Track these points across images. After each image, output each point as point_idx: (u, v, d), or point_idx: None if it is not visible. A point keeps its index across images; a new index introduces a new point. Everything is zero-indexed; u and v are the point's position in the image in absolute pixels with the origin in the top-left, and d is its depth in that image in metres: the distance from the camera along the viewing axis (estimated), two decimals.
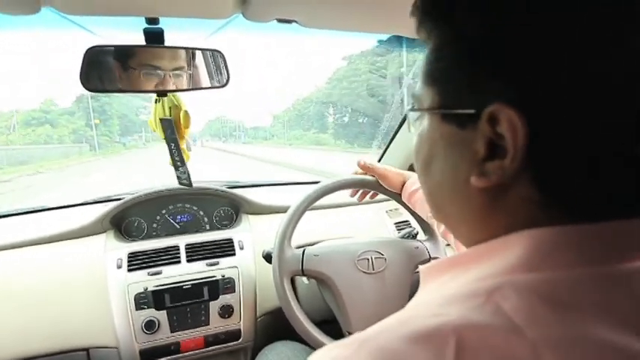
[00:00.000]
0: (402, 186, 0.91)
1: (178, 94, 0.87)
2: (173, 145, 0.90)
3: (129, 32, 0.78)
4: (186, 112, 0.88)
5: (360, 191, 0.99)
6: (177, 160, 0.92)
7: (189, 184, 1.01)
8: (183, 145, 0.93)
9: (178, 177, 0.96)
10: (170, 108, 0.88)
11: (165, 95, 0.82)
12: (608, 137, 0.24)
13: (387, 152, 1.40)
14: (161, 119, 0.87)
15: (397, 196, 0.94)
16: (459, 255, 0.31)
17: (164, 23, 0.74)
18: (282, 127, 41.08)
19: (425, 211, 0.87)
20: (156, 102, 0.85)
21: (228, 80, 0.82)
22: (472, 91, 0.27)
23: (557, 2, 0.24)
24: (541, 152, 0.25)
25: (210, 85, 0.85)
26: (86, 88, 0.72)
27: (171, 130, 0.88)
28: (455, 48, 0.28)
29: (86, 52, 0.70)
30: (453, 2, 0.28)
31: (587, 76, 0.24)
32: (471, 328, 0.23)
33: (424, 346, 0.23)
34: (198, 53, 0.81)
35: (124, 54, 0.76)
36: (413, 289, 0.96)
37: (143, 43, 0.74)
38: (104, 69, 0.75)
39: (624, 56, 0.24)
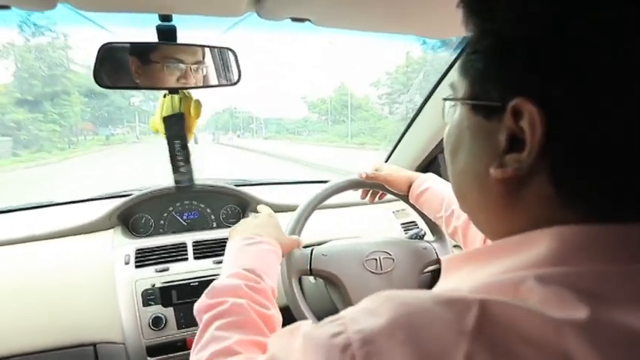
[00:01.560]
0: (409, 187, 0.90)
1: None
2: (178, 142, 0.87)
3: (142, 29, 0.78)
4: (197, 100, 0.87)
5: (370, 192, 0.99)
6: (181, 160, 0.88)
7: (191, 184, 0.94)
8: (190, 139, 0.90)
9: (177, 180, 0.90)
10: (180, 99, 0.86)
11: (177, 92, 0.81)
12: (627, 143, 0.25)
13: (395, 151, 1.39)
14: (168, 117, 0.84)
15: (405, 198, 0.94)
16: (482, 248, 0.32)
17: (177, 20, 0.74)
18: (320, 120, 29.75)
19: (432, 211, 0.87)
20: (164, 96, 0.84)
21: (239, 79, 0.82)
22: (500, 85, 0.29)
23: (591, 5, 0.25)
24: (558, 150, 0.26)
25: (218, 83, 0.84)
26: (100, 85, 0.72)
27: (180, 125, 0.86)
28: (489, 42, 0.30)
29: (100, 48, 0.70)
30: (490, 5, 0.29)
31: (612, 79, 0.24)
32: (497, 303, 0.24)
33: (448, 307, 0.24)
34: (209, 51, 0.81)
35: (143, 49, 0.76)
36: (420, 289, 0.95)
37: (156, 40, 0.74)
38: (119, 65, 0.75)
39: None
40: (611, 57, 0.24)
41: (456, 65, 0.34)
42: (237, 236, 0.69)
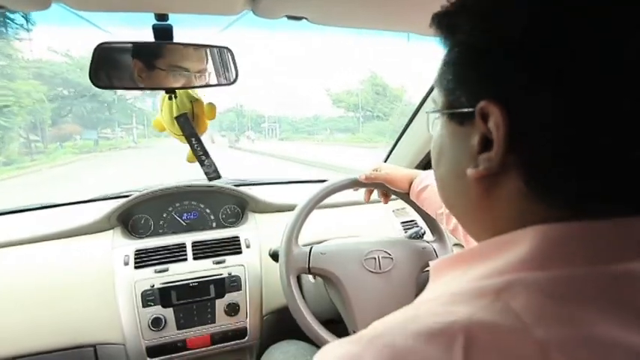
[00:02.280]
0: (410, 185, 0.90)
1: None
2: (194, 139, 0.88)
3: (138, 29, 0.78)
4: (211, 103, 0.89)
5: (374, 191, 0.99)
6: (202, 154, 0.90)
7: (218, 176, 0.95)
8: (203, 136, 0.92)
9: (206, 172, 0.93)
10: (192, 102, 0.87)
11: (174, 92, 0.81)
12: (593, 138, 0.25)
13: (394, 150, 1.39)
14: (177, 117, 0.85)
15: (405, 196, 0.93)
16: (467, 251, 0.32)
17: (173, 19, 0.73)
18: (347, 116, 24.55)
19: (433, 208, 0.86)
20: (170, 99, 0.84)
21: (236, 77, 0.82)
22: (468, 92, 0.31)
23: (539, 17, 0.26)
24: (524, 147, 0.28)
25: (217, 83, 0.85)
26: (96, 85, 0.72)
27: (189, 124, 0.87)
28: (454, 54, 0.32)
29: (96, 48, 0.70)
30: (456, 12, 0.32)
31: (568, 78, 0.25)
32: (480, 326, 0.23)
33: (433, 343, 0.24)
34: (208, 50, 0.81)
35: (146, 53, 0.76)
36: (420, 289, 0.95)
37: (152, 39, 0.74)
38: (118, 66, 0.75)
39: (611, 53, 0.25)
40: (565, 58, 0.25)
41: (434, 80, 0.36)
42: None
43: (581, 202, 0.27)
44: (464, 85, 0.31)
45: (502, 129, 0.28)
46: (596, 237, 0.26)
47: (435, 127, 0.38)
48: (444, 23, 0.33)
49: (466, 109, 0.31)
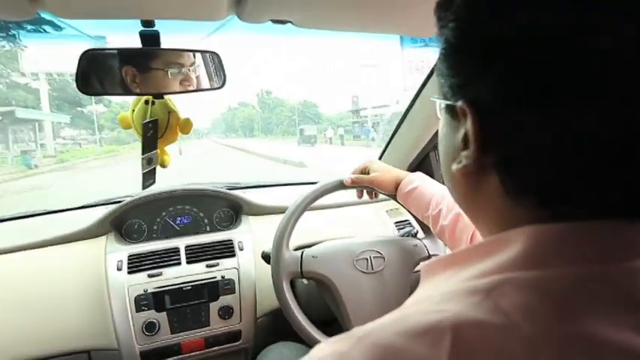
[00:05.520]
0: (396, 188, 0.90)
1: (172, 99, 0.86)
2: (150, 147, 0.85)
3: (126, 35, 0.78)
4: (188, 119, 0.88)
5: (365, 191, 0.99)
6: (148, 162, 0.86)
7: (153, 182, 0.90)
8: (165, 149, 0.90)
9: (144, 178, 0.88)
10: (169, 113, 0.86)
11: (162, 97, 0.81)
12: (565, 140, 0.25)
13: (387, 149, 1.39)
14: (146, 123, 0.83)
15: (393, 197, 0.94)
16: (459, 252, 0.32)
17: (160, 26, 0.74)
18: None
19: (421, 211, 0.87)
20: (146, 103, 0.84)
21: (224, 82, 0.82)
22: (453, 87, 0.31)
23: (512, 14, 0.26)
24: (497, 147, 0.28)
25: (206, 87, 0.85)
26: (82, 92, 0.72)
27: (155, 129, 0.85)
28: (442, 47, 0.32)
29: (82, 55, 0.70)
30: (444, 5, 0.32)
31: (534, 67, 0.25)
32: (468, 323, 0.23)
33: (420, 340, 0.24)
34: (198, 55, 0.81)
35: (137, 57, 0.76)
36: (413, 287, 0.95)
37: (139, 46, 0.74)
38: (106, 72, 0.75)
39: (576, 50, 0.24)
40: (534, 58, 0.25)
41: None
42: None
43: (555, 203, 0.27)
44: (452, 80, 0.31)
45: (473, 129, 0.29)
46: (586, 237, 0.26)
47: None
48: (437, 14, 0.33)
49: (453, 103, 0.31)
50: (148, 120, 0.82)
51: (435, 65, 0.36)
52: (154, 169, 0.89)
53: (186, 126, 0.88)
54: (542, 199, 0.27)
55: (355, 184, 0.94)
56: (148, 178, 0.88)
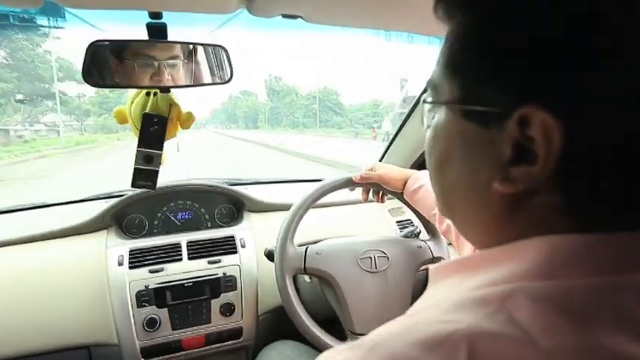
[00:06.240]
0: (404, 185, 0.90)
1: (174, 92, 0.84)
2: (150, 147, 0.82)
3: (133, 27, 0.77)
4: (190, 113, 0.87)
5: (370, 191, 0.98)
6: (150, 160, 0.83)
7: (152, 187, 0.85)
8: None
9: (135, 178, 0.82)
10: (171, 105, 0.85)
11: (169, 91, 0.80)
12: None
13: (390, 148, 1.39)
14: (147, 114, 0.81)
15: (400, 195, 0.93)
16: (471, 257, 0.31)
17: (167, 18, 0.73)
18: None
19: (427, 209, 0.86)
20: (147, 94, 0.82)
21: (231, 76, 0.82)
22: (501, 88, 0.25)
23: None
24: (572, 160, 0.24)
25: (212, 82, 0.84)
26: (89, 84, 0.71)
27: (162, 128, 0.82)
28: (487, 38, 0.26)
29: (88, 47, 0.69)
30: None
31: (632, 81, 0.23)
32: (483, 336, 0.22)
33: (435, 352, 0.23)
34: (200, 49, 0.80)
35: (120, 47, 0.75)
36: (415, 288, 0.95)
37: (146, 37, 0.73)
38: (104, 64, 0.74)
39: None
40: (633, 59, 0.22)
41: (438, 61, 0.30)
42: None
43: (611, 214, 0.25)
44: (499, 79, 0.25)
45: (556, 142, 0.23)
46: (602, 248, 0.25)
47: (431, 118, 0.32)
48: (463, 4, 0.28)
49: (496, 110, 0.25)
50: (150, 112, 0.80)
51: (449, 63, 0.29)
52: (156, 172, 0.84)
53: (187, 120, 0.87)
54: (595, 215, 0.25)
55: (364, 181, 0.93)
56: (143, 177, 0.83)
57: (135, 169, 0.83)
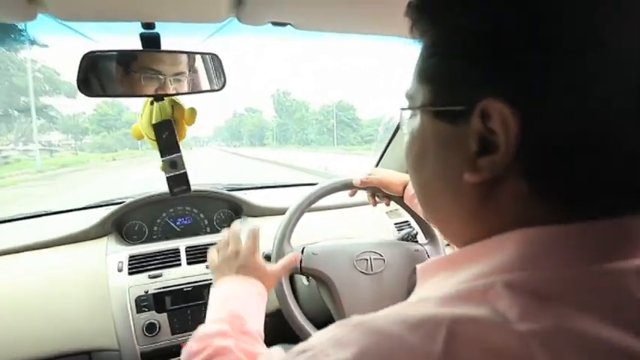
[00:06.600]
0: (404, 189, 0.91)
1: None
2: (169, 150, 0.85)
3: (126, 37, 0.79)
4: (192, 108, 0.88)
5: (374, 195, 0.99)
6: (171, 163, 0.86)
7: (186, 190, 0.89)
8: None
9: (170, 185, 0.86)
10: (173, 106, 0.86)
11: (163, 99, 0.82)
12: (603, 133, 0.25)
13: (384, 155, 1.39)
14: (156, 124, 0.84)
15: (399, 199, 0.94)
16: (454, 254, 0.32)
17: (160, 28, 0.74)
18: None
19: None
20: (151, 104, 0.84)
21: (224, 83, 0.83)
22: (464, 87, 0.28)
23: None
24: (532, 147, 0.26)
25: (209, 89, 0.85)
26: (85, 94, 0.72)
27: (171, 131, 0.85)
28: (448, 45, 0.29)
29: (83, 57, 0.70)
30: (444, 1, 0.29)
31: (582, 70, 0.24)
32: (464, 319, 0.24)
33: (416, 330, 0.24)
34: (198, 57, 0.82)
35: (125, 58, 0.77)
36: (410, 291, 0.95)
37: (140, 47, 0.75)
38: (103, 74, 0.76)
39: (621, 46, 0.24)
40: (582, 50, 0.24)
41: (413, 73, 0.33)
42: (221, 280, 0.69)
43: (581, 201, 0.26)
44: (461, 79, 0.28)
45: (513, 131, 0.25)
46: (577, 239, 0.26)
47: (410, 125, 0.34)
48: (430, 10, 0.30)
49: (460, 107, 0.28)
50: (156, 122, 0.82)
51: (420, 71, 0.32)
52: (185, 173, 0.87)
53: (191, 117, 0.88)
54: (563, 202, 0.27)
55: (364, 185, 0.94)
56: (176, 183, 0.86)
57: (167, 178, 0.86)
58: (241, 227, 1.20)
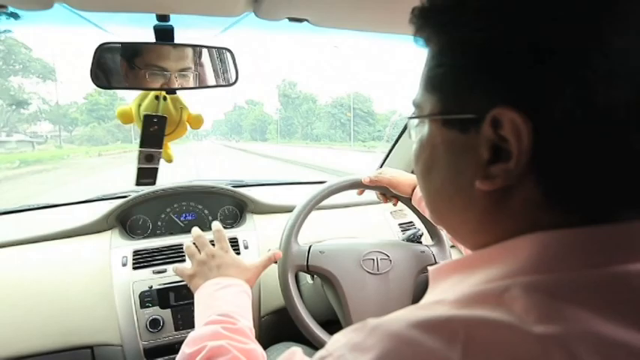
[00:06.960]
0: (412, 190, 0.91)
1: (180, 94, 0.85)
2: (149, 148, 0.82)
3: (140, 29, 0.78)
4: (199, 115, 0.88)
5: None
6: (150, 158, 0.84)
7: (153, 183, 0.87)
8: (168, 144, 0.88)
9: (139, 177, 0.84)
10: (180, 109, 0.85)
11: (175, 93, 0.81)
12: (615, 139, 0.25)
13: (389, 157, 1.39)
14: (148, 115, 0.81)
15: (407, 200, 0.94)
16: (467, 257, 0.32)
17: (175, 21, 0.73)
18: None
19: None
20: (157, 99, 0.83)
21: (236, 79, 0.82)
22: (474, 96, 0.28)
23: (564, 8, 0.25)
24: (545, 154, 0.26)
25: (216, 84, 0.84)
26: (96, 85, 0.72)
27: (161, 128, 0.82)
28: (457, 53, 0.29)
29: (97, 48, 0.70)
30: (456, 8, 0.29)
31: (591, 77, 0.24)
32: (481, 323, 0.24)
33: (434, 334, 0.24)
34: (205, 51, 0.81)
35: (131, 52, 0.76)
36: (416, 292, 0.95)
37: (153, 40, 0.74)
38: (112, 66, 0.75)
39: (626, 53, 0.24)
40: (590, 57, 0.24)
41: (420, 82, 0.33)
42: (202, 285, 0.69)
43: (594, 206, 0.27)
44: (471, 88, 0.28)
45: (525, 139, 0.25)
46: (595, 241, 0.26)
47: (418, 133, 0.35)
48: (439, 15, 0.30)
49: (471, 116, 0.28)
50: (150, 113, 0.80)
51: (428, 79, 0.32)
52: (156, 169, 0.85)
53: (197, 122, 0.88)
54: (576, 207, 0.27)
55: (373, 184, 0.94)
56: (145, 175, 0.85)
57: (138, 168, 0.84)
58: (246, 225, 1.21)
